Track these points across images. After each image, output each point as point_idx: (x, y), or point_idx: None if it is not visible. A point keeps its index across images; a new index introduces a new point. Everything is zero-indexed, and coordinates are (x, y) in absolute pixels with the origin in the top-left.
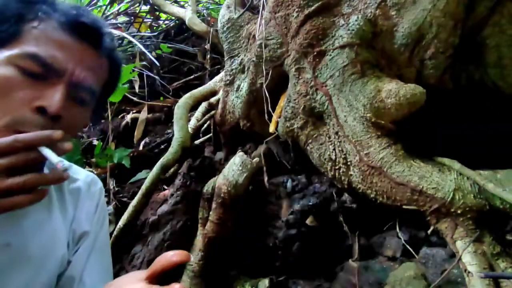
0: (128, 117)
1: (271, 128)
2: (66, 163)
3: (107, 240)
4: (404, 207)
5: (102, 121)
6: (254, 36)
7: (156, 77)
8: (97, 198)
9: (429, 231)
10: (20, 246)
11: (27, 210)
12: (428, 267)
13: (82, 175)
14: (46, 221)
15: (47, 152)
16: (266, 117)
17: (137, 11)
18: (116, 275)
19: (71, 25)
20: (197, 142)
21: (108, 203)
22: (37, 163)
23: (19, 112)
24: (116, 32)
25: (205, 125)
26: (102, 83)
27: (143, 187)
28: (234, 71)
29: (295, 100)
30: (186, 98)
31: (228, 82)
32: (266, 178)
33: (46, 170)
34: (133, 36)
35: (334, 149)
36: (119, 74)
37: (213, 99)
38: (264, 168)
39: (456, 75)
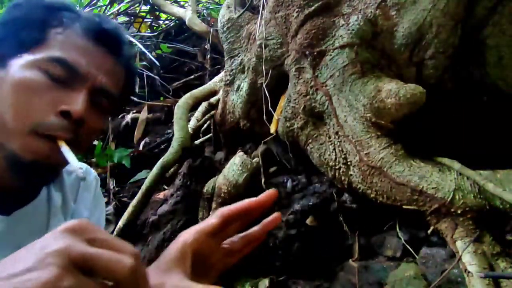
0: (128, 117)
1: (272, 129)
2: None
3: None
4: (404, 207)
5: None
6: (254, 36)
7: (156, 77)
8: (93, 188)
9: (429, 231)
10: None
11: (30, 213)
12: (428, 267)
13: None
14: (47, 230)
15: (69, 155)
16: (265, 117)
17: (137, 11)
18: None
19: (93, 32)
20: (197, 142)
21: (108, 203)
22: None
23: (44, 116)
24: None
25: (205, 125)
26: (120, 90)
27: (143, 187)
28: (234, 71)
29: (295, 100)
30: (186, 98)
31: (228, 82)
32: (263, 180)
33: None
34: (133, 36)
35: (334, 149)
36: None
37: (213, 99)
38: (262, 169)
39: (456, 75)
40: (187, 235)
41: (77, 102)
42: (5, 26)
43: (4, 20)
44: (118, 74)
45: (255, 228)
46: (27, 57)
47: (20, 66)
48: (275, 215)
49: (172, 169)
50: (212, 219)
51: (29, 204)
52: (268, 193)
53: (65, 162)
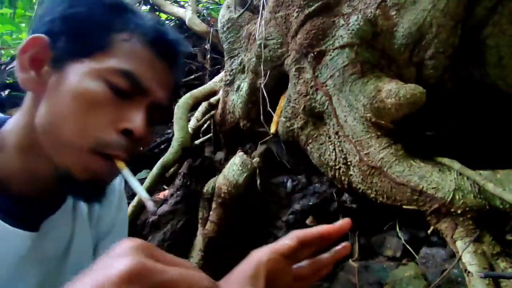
0: None
1: (272, 129)
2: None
3: (126, 232)
4: (404, 207)
5: None
6: (254, 36)
7: None
8: (118, 190)
9: (429, 231)
10: (57, 264)
11: (56, 223)
12: (428, 267)
13: None
14: (73, 238)
15: (132, 180)
16: (262, 117)
17: None
18: None
19: (159, 43)
20: (197, 142)
21: None
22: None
23: (104, 133)
24: None
25: (205, 125)
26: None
27: (143, 187)
28: (234, 71)
29: (295, 100)
30: (186, 98)
31: (228, 82)
32: (258, 181)
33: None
34: None
35: (334, 149)
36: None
37: (213, 99)
38: (257, 171)
39: (456, 75)
40: (261, 254)
41: (138, 120)
42: (65, 22)
43: (64, 15)
44: (171, 86)
45: (325, 256)
46: (90, 64)
47: (82, 74)
48: (345, 244)
49: (172, 169)
50: (287, 241)
51: (55, 214)
52: (344, 222)
53: (113, 179)
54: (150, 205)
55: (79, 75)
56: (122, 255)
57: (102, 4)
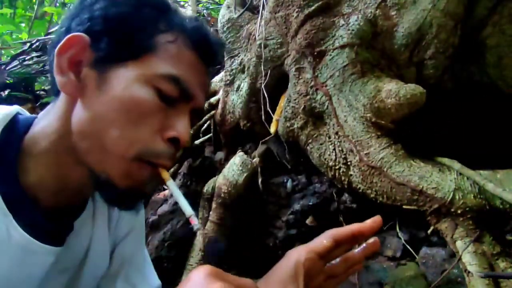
0: None
1: (272, 129)
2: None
3: (143, 235)
4: (404, 207)
5: None
6: (254, 36)
7: None
8: None
9: (429, 231)
10: (75, 271)
11: (76, 231)
12: (428, 267)
13: None
14: (91, 245)
15: (177, 193)
16: (263, 117)
17: None
18: None
19: (201, 45)
20: (197, 142)
21: None
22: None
23: (152, 142)
24: None
25: (205, 125)
26: None
27: None
28: (234, 71)
29: (295, 100)
30: None
31: (228, 82)
32: (260, 179)
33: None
34: None
35: (334, 149)
36: None
37: (213, 99)
38: (259, 169)
39: (456, 75)
40: (300, 253)
41: (184, 127)
42: (107, 21)
43: (106, 14)
44: (208, 90)
45: (355, 252)
46: (136, 69)
47: (129, 79)
48: (375, 239)
49: (172, 169)
50: (324, 240)
51: (76, 221)
52: (375, 219)
53: (153, 189)
54: (195, 223)
55: (126, 81)
56: (205, 281)
57: (145, 2)
